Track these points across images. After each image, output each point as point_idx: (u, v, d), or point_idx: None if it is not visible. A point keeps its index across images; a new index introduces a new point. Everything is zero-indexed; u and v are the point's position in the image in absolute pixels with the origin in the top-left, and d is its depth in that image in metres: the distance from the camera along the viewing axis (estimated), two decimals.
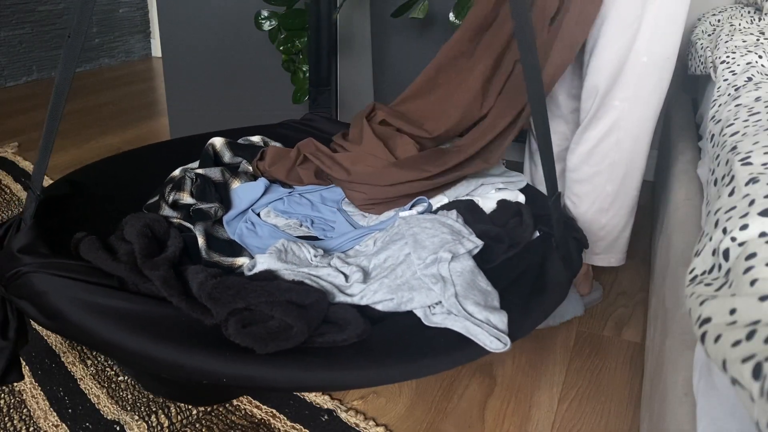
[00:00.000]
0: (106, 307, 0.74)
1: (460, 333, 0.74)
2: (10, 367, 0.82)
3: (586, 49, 1.12)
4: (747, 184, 0.60)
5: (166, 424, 0.97)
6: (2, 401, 1.01)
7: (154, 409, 1.00)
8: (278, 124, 1.39)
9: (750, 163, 0.65)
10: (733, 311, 0.46)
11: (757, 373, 0.39)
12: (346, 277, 0.85)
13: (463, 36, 1.20)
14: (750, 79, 0.96)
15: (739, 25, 1.30)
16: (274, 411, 1.01)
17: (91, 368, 1.09)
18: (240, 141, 1.25)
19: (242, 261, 0.93)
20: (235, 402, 1.02)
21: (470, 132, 1.16)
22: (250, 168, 1.17)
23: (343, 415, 1.00)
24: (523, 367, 1.15)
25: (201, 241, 0.93)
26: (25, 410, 1.00)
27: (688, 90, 1.80)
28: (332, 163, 1.13)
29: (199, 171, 1.08)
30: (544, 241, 0.94)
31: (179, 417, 0.98)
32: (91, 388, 1.04)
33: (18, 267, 0.76)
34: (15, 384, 1.05)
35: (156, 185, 1.08)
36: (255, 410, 1.01)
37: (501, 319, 0.75)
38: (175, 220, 0.98)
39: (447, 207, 1.05)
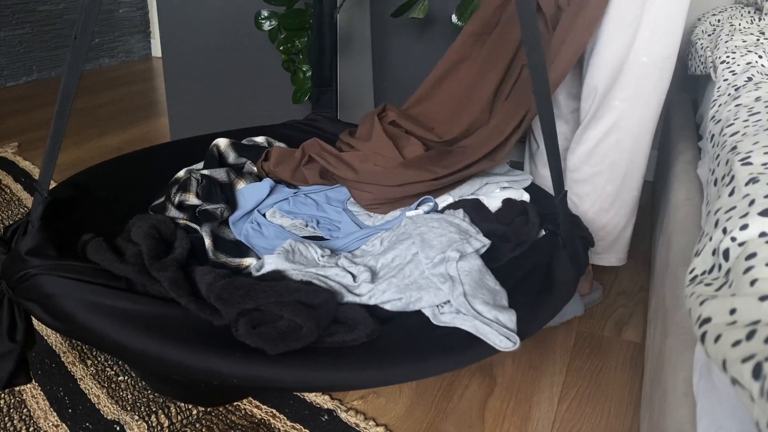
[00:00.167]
0: (115, 308, 0.74)
1: (469, 332, 0.74)
2: (18, 369, 0.82)
3: (586, 48, 1.12)
4: (747, 184, 0.60)
5: (166, 424, 0.97)
6: (2, 401, 1.01)
7: (154, 409, 1.00)
8: (281, 125, 1.39)
9: (750, 163, 0.65)
10: (733, 311, 0.46)
11: (757, 373, 0.39)
12: (354, 277, 0.85)
13: (465, 41, 1.20)
14: (750, 79, 0.96)
15: (739, 25, 1.30)
16: (274, 411, 1.01)
17: (91, 368, 1.09)
18: (244, 141, 1.25)
19: (249, 262, 0.93)
20: (235, 402, 1.02)
21: (476, 133, 1.16)
22: (255, 168, 1.17)
23: (343, 415, 1.00)
24: (523, 367, 1.15)
25: (208, 242, 0.93)
26: (25, 410, 1.00)
27: (688, 90, 1.80)
28: (338, 162, 1.13)
29: (205, 172, 1.08)
30: (551, 239, 0.95)
31: (179, 417, 0.98)
32: (91, 388, 1.04)
33: (26, 269, 0.76)
34: None
35: (161, 186, 1.08)
36: (255, 410, 1.01)
37: (510, 318, 0.76)
38: (181, 221, 0.98)
39: (453, 206, 1.05)
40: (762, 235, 0.52)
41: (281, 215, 1.06)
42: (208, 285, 0.76)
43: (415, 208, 1.05)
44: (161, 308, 0.75)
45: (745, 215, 0.54)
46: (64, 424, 0.97)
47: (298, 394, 1.04)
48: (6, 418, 0.98)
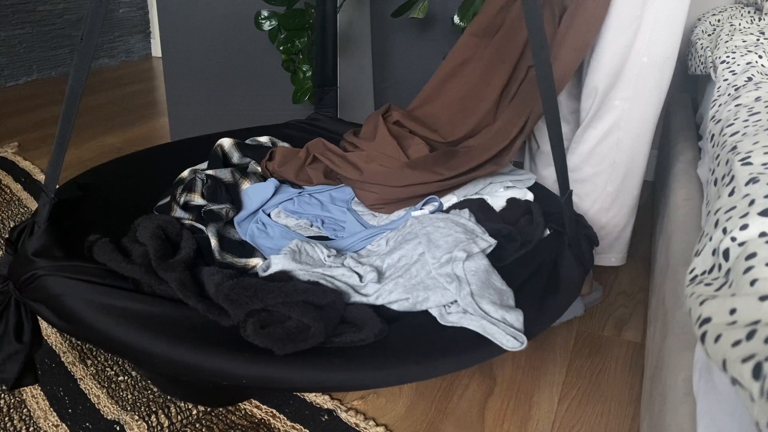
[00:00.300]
0: (122, 309, 0.74)
1: (477, 332, 0.74)
2: (25, 370, 0.82)
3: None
4: (747, 184, 0.60)
5: (166, 424, 0.97)
6: (2, 401, 1.01)
7: (154, 409, 1.00)
8: (284, 124, 1.39)
9: (750, 163, 0.65)
10: (733, 311, 0.46)
11: (757, 373, 0.39)
12: (360, 277, 0.85)
13: (468, 42, 1.20)
14: (750, 79, 0.96)
15: (739, 25, 1.30)
16: (274, 411, 1.01)
17: (91, 368, 1.09)
18: (248, 141, 1.25)
19: (256, 262, 0.93)
20: (243, 401, 1.02)
21: (481, 134, 1.16)
22: (259, 168, 1.17)
23: (343, 415, 1.00)
24: (523, 367, 1.15)
25: (214, 242, 0.93)
26: (25, 410, 1.00)
27: (688, 90, 1.80)
28: (343, 162, 1.13)
29: (210, 172, 1.08)
30: (556, 238, 0.95)
31: (179, 417, 0.98)
32: (91, 388, 1.04)
33: (33, 270, 0.76)
34: None
35: (165, 186, 1.09)
36: (255, 410, 1.01)
37: (517, 318, 0.76)
38: (186, 222, 0.97)
39: (458, 206, 1.05)
40: (762, 235, 0.52)
41: (286, 215, 1.06)
42: (216, 285, 0.76)
43: (420, 208, 1.05)
44: (169, 309, 0.75)
45: (745, 215, 0.54)
46: (64, 424, 0.97)
47: (298, 393, 1.04)
48: (6, 418, 0.98)
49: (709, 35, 1.43)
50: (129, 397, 1.03)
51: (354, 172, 1.11)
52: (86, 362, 1.10)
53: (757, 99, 0.86)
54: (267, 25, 1.60)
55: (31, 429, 0.96)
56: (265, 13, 1.60)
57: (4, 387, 1.04)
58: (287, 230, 1.01)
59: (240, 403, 1.02)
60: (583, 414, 1.04)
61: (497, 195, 1.09)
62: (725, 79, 1.01)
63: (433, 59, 1.82)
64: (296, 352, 0.69)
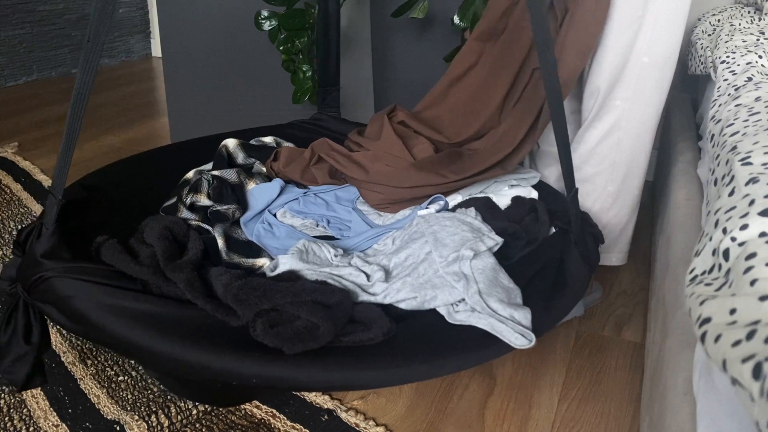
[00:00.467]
0: (132, 310, 0.74)
1: (484, 330, 0.74)
2: (34, 371, 0.82)
3: None
4: (747, 184, 0.60)
5: (166, 424, 0.97)
6: (2, 401, 1.01)
7: (154, 409, 1.00)
8: (287, 124, 1.40)
9: (750, 163, 0.65)
10: (733, 311, 0.46)
11: (757, 373, 0.39)
12: (368, 276, 0.85)
13: (472, 47, 1.20)
14: (750, 79, 0.96)
15: (739, 25, 1.30)
16: (274, 411, 1.01)
17: (91, 368, 1.09)
18: (252, 142, 1.25)
19: (263, 262, 0.93)
20: (251, 401, 1.02)
21: (486, 136, 1.16)
22: (264, 169, 1.17)
23: (343, 415, 1.00)
24: (523, 367, 1.15)
25: (221, 242, 0.93)
26: (25, 410, 1.00)
27: (688, 90, 1.80)
28: (348, 162, 1.14)
29: (215, 173, 1.08)
30: (561, 236, 0.95)
31: (179, 417, 0.98)
32: (91, 388, 1.04)
33: (41, 272, 0.76)
34: None
35: (170, 187, 1.09)
36: (255, 410, 1.01)
37: (525, 316, 0.76)
38: (193, 222, 0.98)
39: (463, 204, 1.05)
40: (762, 235, 0.52)
41: (292, 215, 1.06)
42: (225, 286, 0.76)
43: (426, 207, 1.05)
44: (178, 309, 0.75)
45: (745, 215, 0.54)
46: (64, 424, 0.97)
47: (298, 393, 1.04)
48: (6, 418, 0.98)
49: (709, 35, 1.43)
50: (129, 397, 1.03)
51: (359, 172, 1.11)
52: (86, 362, 1.10)
53: (757, 99, 0.86)
54: (267, 25, 1.60)
55: (31, 429, 0.96)
56: (265, 13, 1.60)
57: (4, 387, 1.04)
58: (293, 230, 1.01)
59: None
60: (583, 414, 1.04)
61: (502, 193, 1.09)
62: (725, 79, 1.01)
63: (433, 59, 1.82)
64: (305, 352, 0.69)
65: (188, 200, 1.02)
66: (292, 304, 0.73)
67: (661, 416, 0.75)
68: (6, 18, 2.84)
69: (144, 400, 1.02)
